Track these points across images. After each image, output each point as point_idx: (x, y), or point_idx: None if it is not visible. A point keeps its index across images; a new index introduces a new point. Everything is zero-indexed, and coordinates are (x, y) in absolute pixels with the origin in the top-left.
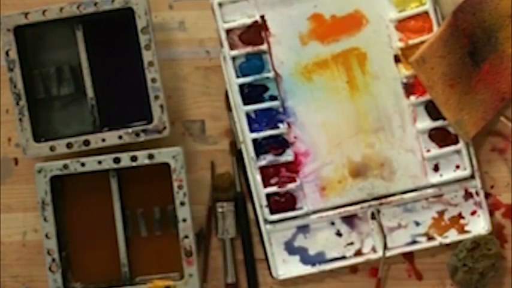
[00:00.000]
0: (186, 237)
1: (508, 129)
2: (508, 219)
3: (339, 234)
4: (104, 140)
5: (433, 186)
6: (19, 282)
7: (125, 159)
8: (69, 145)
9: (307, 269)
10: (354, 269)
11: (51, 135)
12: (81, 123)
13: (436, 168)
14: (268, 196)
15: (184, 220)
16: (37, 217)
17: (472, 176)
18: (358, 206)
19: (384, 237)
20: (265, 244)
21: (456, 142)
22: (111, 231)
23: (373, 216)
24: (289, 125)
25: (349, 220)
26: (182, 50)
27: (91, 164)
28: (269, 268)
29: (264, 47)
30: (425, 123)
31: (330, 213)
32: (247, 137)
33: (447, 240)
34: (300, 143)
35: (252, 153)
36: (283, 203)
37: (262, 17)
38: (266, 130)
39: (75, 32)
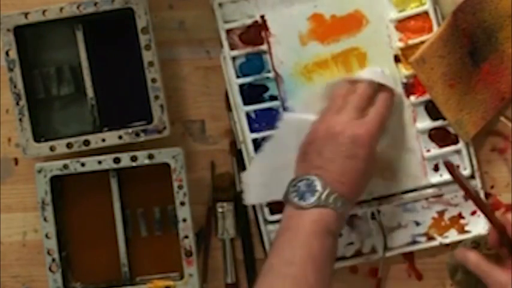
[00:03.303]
0: (186, 237)
1: (508, 129)
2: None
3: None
4: (104, 140)
5: (433, 186)
6: (19, 282)
7: (125, 159)
8: (69, 145)
9: None
10: (354, 269)
11: (51, 135)
12: (81, 123)
13: (436, 168)
14: None
15: (184, 220)
16: (37, 217)
17: (472, 176)
18: (358, 206)
19: (384, 237)
20: (265, 244)
21: (456, 142)
22: (111, 231)
23: (373, 216)
24: None
25: (349, 220)
26: (182, 50)
27: (91, 164)
28: None
29: (264, 47)
30: (425, 123)
31: None
32: (247, 137)
33: (447, 240)
34: None
35: (252, 153)
36: (283, 203)
37: (262, 17)
38: (266, 130)
39: (75, 32)
